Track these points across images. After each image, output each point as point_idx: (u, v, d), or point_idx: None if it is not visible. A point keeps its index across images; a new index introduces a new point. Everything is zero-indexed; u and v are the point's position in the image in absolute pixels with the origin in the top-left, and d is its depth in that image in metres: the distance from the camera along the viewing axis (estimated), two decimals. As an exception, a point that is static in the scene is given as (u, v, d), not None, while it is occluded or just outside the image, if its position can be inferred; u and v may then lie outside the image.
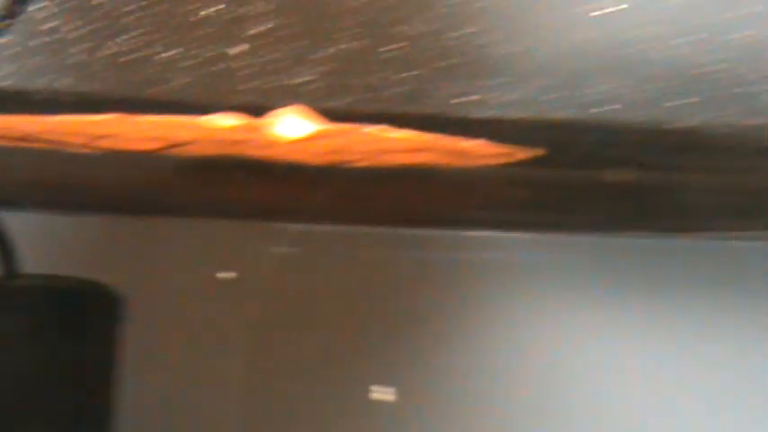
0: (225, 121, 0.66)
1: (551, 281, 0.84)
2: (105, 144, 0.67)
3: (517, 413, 0.88)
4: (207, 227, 0.81)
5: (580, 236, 0.80)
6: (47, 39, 0.73)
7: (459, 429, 0.88)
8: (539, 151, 0.68)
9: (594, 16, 0.71)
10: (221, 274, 0.77)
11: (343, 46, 0.70)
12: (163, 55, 0.71)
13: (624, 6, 0.73)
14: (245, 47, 0.71)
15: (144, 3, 0.72)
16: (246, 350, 0.82)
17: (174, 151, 0.72)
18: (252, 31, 0.71)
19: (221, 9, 0.73)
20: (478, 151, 0.71)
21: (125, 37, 0.72)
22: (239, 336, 0.82)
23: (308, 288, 0.83)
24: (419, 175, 0.75)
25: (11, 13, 0.71)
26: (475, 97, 0.70)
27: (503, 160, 0.71)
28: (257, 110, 0.65)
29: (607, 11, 0.70)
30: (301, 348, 0.84)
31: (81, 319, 0.72)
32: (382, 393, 0.79)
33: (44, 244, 0.84)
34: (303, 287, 0.81)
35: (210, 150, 0.71)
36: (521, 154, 0.70)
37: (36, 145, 0.65)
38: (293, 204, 0.77)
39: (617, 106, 0.70)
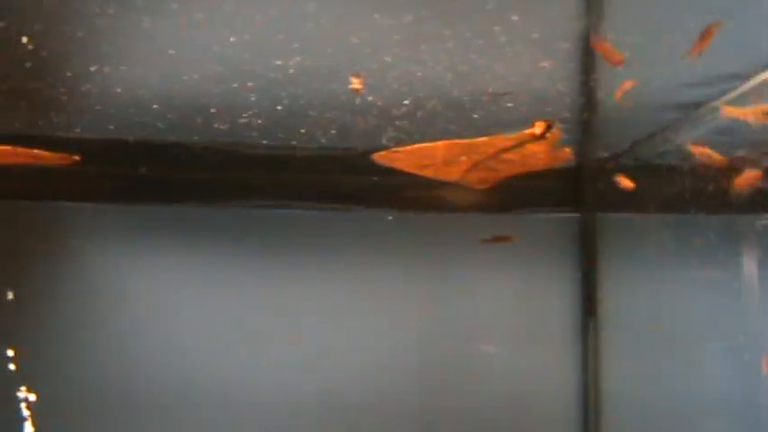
0: None
1: (140, 237, 1.35)
2: None
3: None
4: None
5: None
6: None
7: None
8: (76, 157, 1.23)
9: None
10: None
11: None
12: None
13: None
14: None
15: None
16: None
17: None
18: None
19: None
20: (49, 157, 1.25)
21: None
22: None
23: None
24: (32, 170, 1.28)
25: None
26: (50, 125, 1.22)
27: (67, 162, 1.26)
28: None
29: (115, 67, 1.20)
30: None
31: None
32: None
33: None
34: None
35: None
36: (71, 158, 1.24)
37: None
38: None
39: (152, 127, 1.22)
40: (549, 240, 1.37)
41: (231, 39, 0.81)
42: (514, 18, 0.76)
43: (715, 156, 1.11)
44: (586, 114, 1.10)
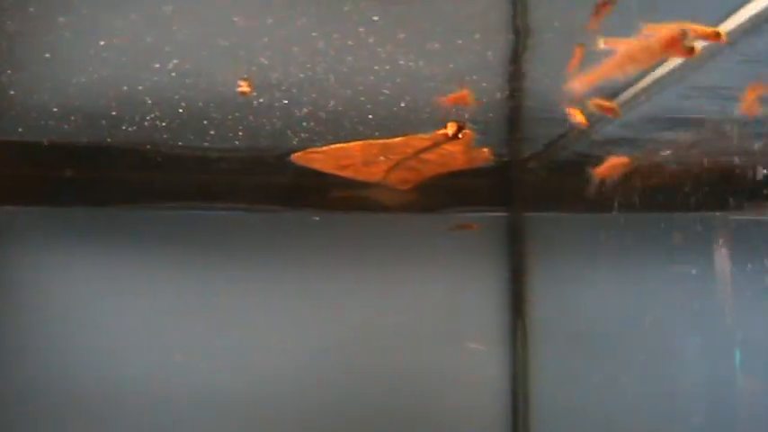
0: None
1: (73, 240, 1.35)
2: None
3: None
4: None
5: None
6: None
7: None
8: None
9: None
10: None
11: None
12: None
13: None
14: None
15: None
16: None
17: None
18: None
19: None
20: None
21: None
22: None
23: None
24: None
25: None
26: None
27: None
28: None
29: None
30: None
31: None
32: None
33: None
34: None
35: None
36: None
37: None
38: None
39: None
40: (477, 240, 1.36)
41: (101, 42, 0.81)
42: (375, 18, 0.75)
43: (607, 104, 1.06)
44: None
